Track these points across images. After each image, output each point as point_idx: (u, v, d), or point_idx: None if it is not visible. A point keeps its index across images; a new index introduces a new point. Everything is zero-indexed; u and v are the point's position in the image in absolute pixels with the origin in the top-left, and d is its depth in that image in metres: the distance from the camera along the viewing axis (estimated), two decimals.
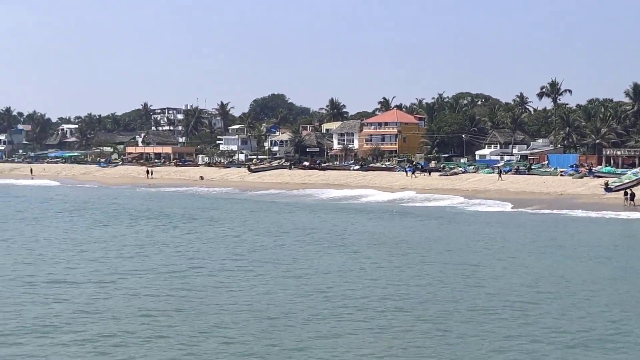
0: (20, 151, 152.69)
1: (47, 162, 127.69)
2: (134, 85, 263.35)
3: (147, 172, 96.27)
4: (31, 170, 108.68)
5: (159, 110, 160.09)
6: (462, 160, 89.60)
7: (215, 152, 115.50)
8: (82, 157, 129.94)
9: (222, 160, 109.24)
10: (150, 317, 18.20)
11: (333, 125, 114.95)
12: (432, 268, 25.93)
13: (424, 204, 55.55)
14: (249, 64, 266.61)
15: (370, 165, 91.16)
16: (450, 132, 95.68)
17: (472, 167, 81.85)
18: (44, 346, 15.91)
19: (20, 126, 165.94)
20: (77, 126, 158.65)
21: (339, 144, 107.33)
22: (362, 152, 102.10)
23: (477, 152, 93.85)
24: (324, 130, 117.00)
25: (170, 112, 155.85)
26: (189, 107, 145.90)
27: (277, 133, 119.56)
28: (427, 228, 39.20)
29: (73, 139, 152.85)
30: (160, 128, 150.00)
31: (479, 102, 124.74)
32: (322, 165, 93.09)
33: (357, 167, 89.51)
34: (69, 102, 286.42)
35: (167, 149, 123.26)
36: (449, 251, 29.96)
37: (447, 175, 75.01)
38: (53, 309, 19.02)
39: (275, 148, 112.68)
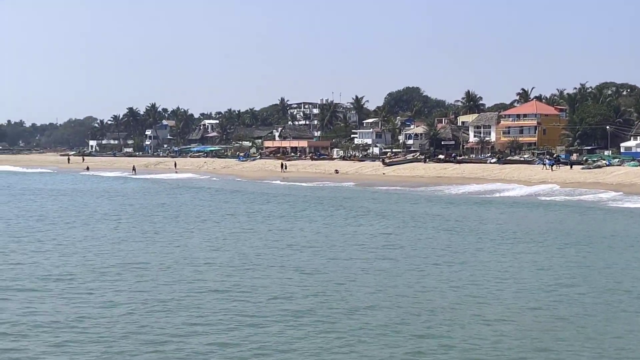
0: (165, 146, 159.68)
1: (190, 156, 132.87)
2: (271, 81, 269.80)
3: (282, 165, 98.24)
4: (175, 164, 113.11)
5: (295, 105, 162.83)
6: (605, 153, 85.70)
7: (350, 146, 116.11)
8: (223, 151, 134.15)
9: (357, 154, 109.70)
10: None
11: (469, 118, 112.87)
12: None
13: (566, 198, 53.41)
14: (383, 58, 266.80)
15: (508, 158, 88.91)
16: (594, 123, 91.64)
17: (617, 159, 78.11)
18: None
19: (165, 122, 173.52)
20: (217, 121, 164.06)
21: (475, 136, 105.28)
22: (500, 145, 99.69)
23: (622, 145, 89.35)
24: (459, 123, 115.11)
25: (306, 106, 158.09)
26: (324, 102, 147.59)
27: (412, 126, 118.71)
28: (589, 224, 37.25)
29: (214, 133, 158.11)
30: (296, 122, 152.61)
31: (624, 92, 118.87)
32: (458, 158, 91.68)
33: (494, 160, 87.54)
34: (211, 98, 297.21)
35: (303, 143, 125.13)
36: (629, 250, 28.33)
37: (590, 169, 71.95)
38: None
39: (410, 141, 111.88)
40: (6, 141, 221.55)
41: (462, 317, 17.49)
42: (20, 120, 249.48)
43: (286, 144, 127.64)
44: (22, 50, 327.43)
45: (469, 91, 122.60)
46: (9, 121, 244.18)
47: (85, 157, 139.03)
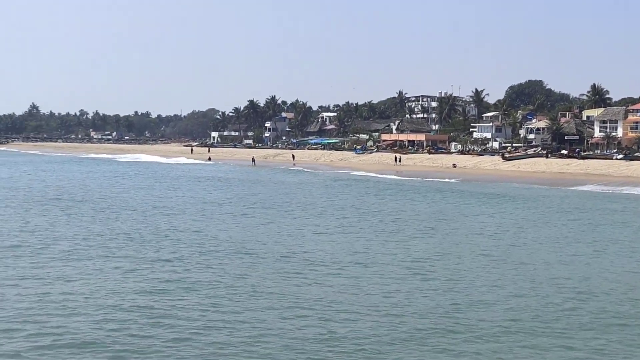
0: (284, 138, 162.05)
1: (307, 149, 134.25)
2: (390, 74, 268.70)
3: (395, 158, 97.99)
4: (293, 156, 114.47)
5: (413, 98, 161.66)
6: None
7: (469, 140, 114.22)
8: (340, 143, 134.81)
9: (475, 148, 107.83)
10: None
11: (594, 112, 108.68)
12: None
13: None
14: (505, 50, 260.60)
15: (636, 154, 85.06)
16: None
17: None
18: None
19: (284, 114, 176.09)
20: (335, 114, 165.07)
21: (600, 131, 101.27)
22: (627, 141, 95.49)
23: None
24: (584, 118, 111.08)
25: (425, 99, 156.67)
26: (443, 95, 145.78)
27: (534, 120, 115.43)
28: None
29: (331, 126, 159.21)
30: (414, 115, 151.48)
31: None
32: (582, 154, 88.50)
33: (620, 156, 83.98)
34: (329, 91, 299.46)
35: (421, 137, 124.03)
36: None
37: None
38: None
39: (531, 136, 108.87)
40: (133, 132, 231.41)
41: None
42: (147, 112, 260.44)
43: (403, 137, 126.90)
44: (151, 45, 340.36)
45: (595, 84, 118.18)
46: (136, 112, 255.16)
47: (210, 148, 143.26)
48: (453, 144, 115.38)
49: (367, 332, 15.44)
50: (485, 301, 18.27)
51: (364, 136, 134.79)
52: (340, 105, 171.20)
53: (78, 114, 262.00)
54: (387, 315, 16.79)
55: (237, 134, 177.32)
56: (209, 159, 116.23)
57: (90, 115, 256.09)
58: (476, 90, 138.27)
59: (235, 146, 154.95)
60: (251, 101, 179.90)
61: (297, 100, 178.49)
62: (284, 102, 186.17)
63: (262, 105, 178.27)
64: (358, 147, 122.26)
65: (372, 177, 76.18)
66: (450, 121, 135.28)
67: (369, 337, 15.10)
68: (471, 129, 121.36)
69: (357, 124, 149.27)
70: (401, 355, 14.14)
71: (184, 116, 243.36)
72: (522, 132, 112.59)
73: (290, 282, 20.21)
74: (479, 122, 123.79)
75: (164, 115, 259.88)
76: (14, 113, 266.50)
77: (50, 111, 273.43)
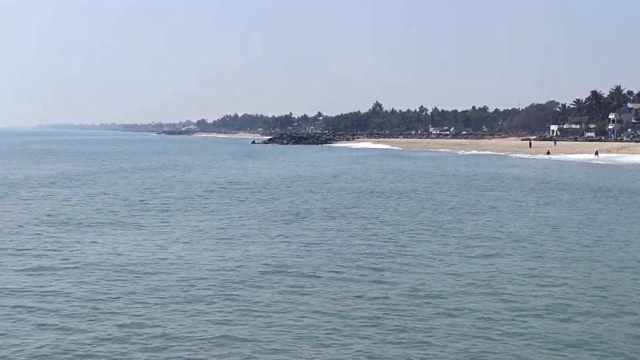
0: (629, 130, 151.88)
1: None
2: None
3: None
4: None
5: None
6: None
7: None
8: None
9: None
10: None
11: None
12: None
13: None
14: None
15: None
16: None
17: None
18: None
19: (629, 105, 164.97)
20: None
21: None
22: None
23: None
24: None
25: None
26: None
27: None
28: None
29: None
30: None
31: None
32: None
33: None
34: None
35: None
36: None
37: None
38: None
39: None
40: (470, 126, 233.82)
41: None
42: (484, 106, 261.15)
43: None
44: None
45: None
46: (473, 107, 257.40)
47: (556, 142, 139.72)
48: None
49: None
50: None
51: None
52: None
53: (418, 110, 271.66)
54: None
55: (577, 126, 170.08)
56: (548, 153, 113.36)
57: (429, 112, 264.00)
58: None
59: (576, 139, 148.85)
60: (594, 92, 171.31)
61: None
62: (630, 92, 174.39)
63: (605, 96, 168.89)
64: None
65: None
66: None
67: None
68: None
69: None
70: None
71: (522, 109, 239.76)
72: None
73: None
74: None
75: (501, 110, 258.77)
76: (359, 111, 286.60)
77: (392, 108, 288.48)
